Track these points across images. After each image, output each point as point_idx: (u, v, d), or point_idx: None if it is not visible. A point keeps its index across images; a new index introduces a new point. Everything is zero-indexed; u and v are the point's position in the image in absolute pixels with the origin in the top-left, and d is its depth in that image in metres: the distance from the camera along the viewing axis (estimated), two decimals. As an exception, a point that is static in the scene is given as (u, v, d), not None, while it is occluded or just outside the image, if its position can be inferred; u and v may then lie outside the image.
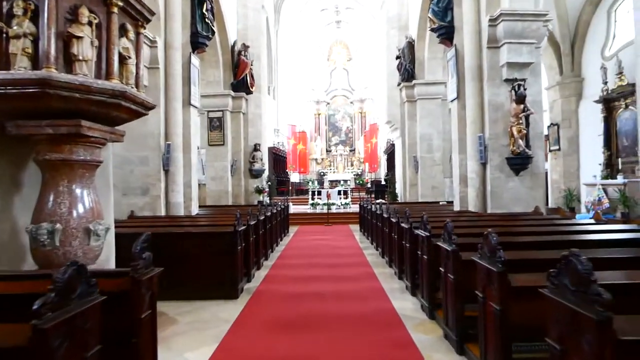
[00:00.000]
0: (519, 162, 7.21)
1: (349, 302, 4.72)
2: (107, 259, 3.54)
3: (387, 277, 5.97)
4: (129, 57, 3.22)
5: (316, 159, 25.54)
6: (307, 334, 3.78)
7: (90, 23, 2.87)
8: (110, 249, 3.60)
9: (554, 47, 12.49)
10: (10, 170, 3.06)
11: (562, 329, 1.76)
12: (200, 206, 9.81)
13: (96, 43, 2.90)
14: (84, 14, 2.83)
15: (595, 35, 11.87)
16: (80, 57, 2.81)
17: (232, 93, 12.49)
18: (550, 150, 13.01)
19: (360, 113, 25.87)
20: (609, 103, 10.77)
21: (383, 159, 20.56)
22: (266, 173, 14.25)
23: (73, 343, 1.53)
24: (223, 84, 12.38)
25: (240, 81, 12.53)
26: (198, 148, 10.64)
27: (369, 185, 20.49)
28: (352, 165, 25.35)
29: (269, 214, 8.08)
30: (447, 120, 11.85)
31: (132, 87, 3.17)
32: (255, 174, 13.33)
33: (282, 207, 10.93)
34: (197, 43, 8.91)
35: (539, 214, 6.78)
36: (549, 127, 12.74)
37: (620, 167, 10.37)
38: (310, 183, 18.66)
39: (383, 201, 12.34)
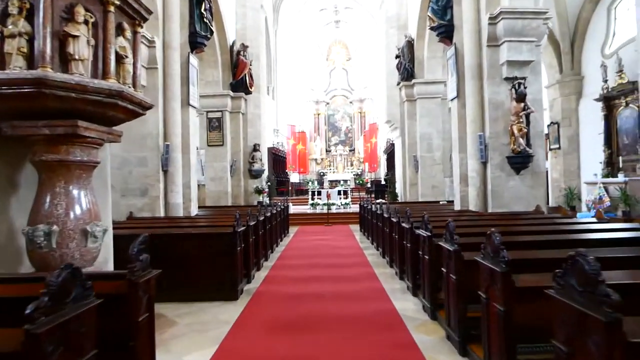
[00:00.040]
0: (519, 161, 7.18)
1: (349, 303, 4.68)
2: (105, 261, 3.50)
3: (388, 278, 5.93)
4: (126, 57, 3.18)
5: (316, 159, 25.50)
6: (307, 335, 3.74)
7: (86, 22, 2.83)
8: (108, 251, 3.56)
9: (553, 46, 12.46)
10: (6, 171, 3.03)
11: (569, 331, 1.72)
12: (199, 207, 9.77)
13: (92, 42, 2.87)
14: (80, 12, 2.79)
15: (595, 33, 11.84)
16: (77, 57, 2.77)
17: (231, 93, 12.45)
18: (551, 149, 12.98)
19: (360, 113, 25.84)
20: (609, 101, 10.74)
21: (383, 158, 20.53)
22: (266, 173, 14.21)
23: (68, 348, 1.49)
24: (222, 84, 12.34)
25: (239, 81, 12.49)
26: (197, 148, 10.59)
27: (368, 185, 20.45)
28: (351, 165, 25.31)
29: (268, 214, 8.04)
30: (447, 119, 11.82)
31: (129, 87, 3.13)
32: (255, 175, 13.29)
33: (282, 207, 10.89)
34: (196, 43, 8.87)
35: (540, 213, 6.74)
36: (549, 125, 12.71)
37: (621, 165, 10.33)
38: (310, 183, 18.62)
39: (383, 201, 12.31)
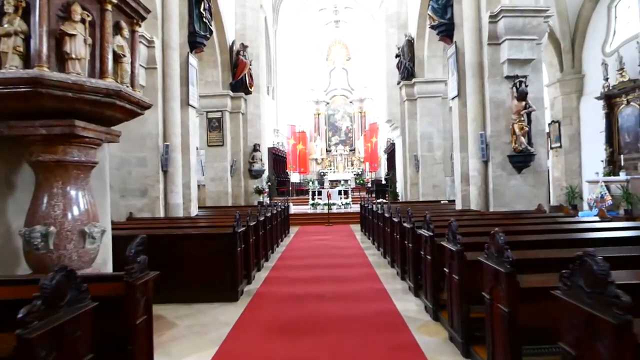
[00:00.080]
0: (521, 160, 7.14)
1: (351, 304, 4.64)
2: (104, 262, 3.46)
3: (389, 278, 5.89)
4: (124, 56, 3.14)
5: (316, 159, 25.47)
6: (308, 336, 3.71)
7: (83, 21, 2.80)
8: (107, 252, 3.52)
9: (554, 44, 12.42)
10: (3, 172, 2.99)
11: (577, 333, 1.68)
12: (199, 207, 9.74)
13: (89, 41, 2.83)
14: (77, 11, 2.76)
15: (596, 32, 11.80)
16: (73, 56, 2.74)
17: (231, 93, 12.42)
18: (552, 148, 12.94)
19: (360, 112, 25.81)
20: (610, 99, 10.70)
21: (383, 158, 20.48)
22: (266, 173, 14.17)
23: (62, 352, 1.45)
24: (222, 84, 12.30)
25: (239, 81, 12.46)
26: (197, 149, 10.56)
27: (369, 184, 20.42)
28: (352, 165, 25.28)
29: (269, 214, 8.00)
30: (448, 118, 11.79)
31: (127, 86, 3.10)
32: (255, 175, 13.26)
33: (282, 207, 10.85)
34: (195, 43, 8.84)
35: (542, 212, 6.70)
36: (549, 124, 12.66)
37: (622, 163, 10.29)
38: (310, 183, 18.58)
39: (384, 201, 12.26)
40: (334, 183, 21.10)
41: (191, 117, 8.68)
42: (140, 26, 3.41)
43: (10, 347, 1.31)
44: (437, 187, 12.24)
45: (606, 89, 10.63)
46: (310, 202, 15.45)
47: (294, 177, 22.88)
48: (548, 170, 10.84)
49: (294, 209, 14.86)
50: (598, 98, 10.93)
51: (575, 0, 11.86)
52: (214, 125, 12.28)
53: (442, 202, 10.75)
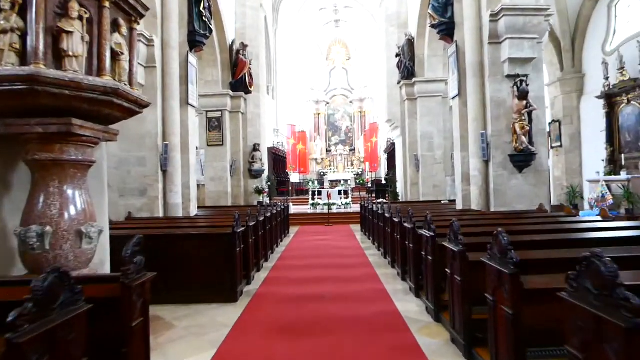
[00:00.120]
0: (522, 159, 7.11)
1: (351, 305, 4.60)
2: (102, 263, 3.42)
3: (390, 278, 5.85)
4: (122, 53, 3.10)
5: (316, 159, 25.43)
6: (308, 338, 3.67)
7: (80, 18, 2.76)
8: (104, 252, 3.48)
9: (554, 43, 12.38)
10: (-1, 171, 2.95)
11: (584, 336, 1.64)
12: (199, 207, 9.70)
13: (87, 38, 2.80)
14: (74, 8, 2.72)
15: (596, 31, 11.76)
16: (70, 53, 2.70)
17: (231, 93, 12.38)
18: (552, 147, 12.89)
19: (360, 112, 25.77)
20: (610, 99, 10.66)
21: (383, 158, 20.44)
22: (266, 173, 14.13)
23: (54, 356, 1.40)
24: (221, 84, 12.26)
25: (239, 81, 12.42)
26: (197, 148, 10.52)
27: (369, 184, 20.38)
28: (352, 165, 25.24)
29: (268, 214, 7.96)
30: (448, 118, 11.75)
31: (125, 84, 3.06)
32: (255, 175, 13.21)
33: (282, 207, 10.81)
34: (195, 42, 8.80)
35: (543, 211, 6.66)
36: (550, 123, 12.62)
37: (623, 163, 10.25)
38: (310, 183, 18.54)
39: (384, 201, 12.22)
40: (334, 183, 21.06)
41: (191, 117, 8.64)
42: (138, 24, 3.37)
43: (1, 351, 1.27)
44: (437, 187, 12.20)
45: (606, 88, 10.60)
46: (310, 202, 15.41)
47: (294, 177, 22.84)
48: (549, 169, 10.81)
49: (293, 209, 14.82)
50: (598, 97, 10.90)
51: (576, 0, 11.83)
52: (214, 125, 12.23)
53: (442, 202, 10.72)
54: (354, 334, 3.72)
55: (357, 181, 22.55)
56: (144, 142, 7.28)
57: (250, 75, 12.74)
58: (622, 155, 10.35)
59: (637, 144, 9.99)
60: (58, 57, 2.66)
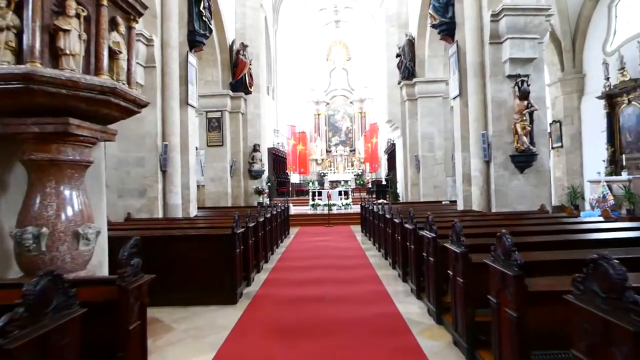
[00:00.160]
0: (523, 160, 7.07)
1: (352, 306, 4.56)
2: (100, 264, 3.38)
3: (391, 280, 5.81)
4: (120, 52, 3.07)
5: (316, 160, 25.39)
6: (308, 340, 3.62)
7: (78, 16, 2.72)
8: (102, 254, 3.44)
9: (555, 43, 12.36)
10: (-5, 172, 2.91)
11: (591, 340, 1.60)
12: (199, 208, 9.65)
13: (84, 37, 2.76)
14: (72, 6, 2.68)
15: (596, 31, 11.74)
16: (67, 51, 2.66)
17: (231, 93, 12.34)
18: (553, 148, 12.86)
19: (360, 113, 25.74)
20: (611, 99, 10.64)
21: (384, 158, 20.41)
22: (266, 174, 14.09)
23: (48, 362, 1.37)
24: (221, 84, 12.23)
25: (239, 81, 12.39)
26: (197, 149, 10.49)
27: (369, 185, 20.33)
28: (352, 165, 25.20)
29: (268, 215, 7.91)
30: (449, 118, 11.72)
31: (123, 84, 3.02)
32: (255, 175, 13.18)
33: (282, 208, 10.77)
34: (195, 41, 8.76)
35: (545, 212, 6.62)
36: (551, 124, 12.59)
37: (624, 163, 10.22)
38: (310, 184, 18.49)
39: (385, 201, 12.18)
40: (334, 184, 21.01)
41: (190, 117, 8.60)
42: (137, 22, 3.34)
43: (-7, 357, 1.23)
44: (438, 187, 12.16)
45: (607, 89, 10.58)
46: (311, 202, 15.37)
47: (294, 178, 22.79)
48: (549, 170, 10.77)
49: (294, 209, 14.78)
50: (599, 97, 10.88)
51: (576, 0, 11.80)
52: (214, 125, 12.20)
53: (443, 202, 10.68)
54: (355, 336, 3.68)
55: (358, 182, 22.51)
56: (143, 142, 7.24)
57: (250, 76, 12.70)
58: (623, 155, 10.32)
59: (638, 144, 9.96)
60: (55, 55, 2.63)
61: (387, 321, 4.06)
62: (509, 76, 7.18)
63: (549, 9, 7.34)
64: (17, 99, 2.51)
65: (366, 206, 10.79)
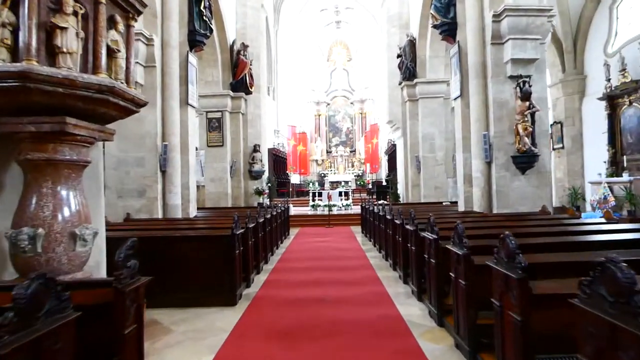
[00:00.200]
0: (525, 161, 7.03)
1: (352, 308, 4.52)
2: (98, 265, 3.34)
3: (392, 281, 5.76)
4: (118, 51, 3.03)
5: (316, 160, 25.37)
6: (308, 342, 3.58)
7: (75, 13, 2.68)
8: (100, 255, 3.40)
9: (556, 45, 12.32)
10: (-9, 171, 2.87)
11: (598, 345, 1.56)
12: (199, 208, 9.61)
13: (82, 34, 2.72)
14: (69, 3, 2.64)
15: (598, 32, 11.71)
16: (65, 50, 2.62)
17: (231, 93, 12.31)
18: (554, 149, 12.82)
19: (361, 114, 25.72)
20: (612, 100, 10.61)
21: (384, 159, 20.37)
22: (266, 174, 14.05)
23: (40, 368, 1.33)
24: (222, 84, 12.20)
25: (240, 81, 12.36)
26: (197, 149, 10.45)
27: (370, 186, 20.30)
28: (352, 166, 25.17)
29: (268, 216, 7.87)
30: (450, 119, 11.67)
31: (121, 82, 2.98)
32: (255, 176, 13.14)
33: (283, 208, 10.73)
34: (195, 41, 8.74)
35: (546, 213, 6.58)
36: (552, 125, 12.55)
37: (625, 164, 10.19)
38: (310, 184, 18.45)
39: (385, 202, 12.14)
40: (335, 184, 20.99)
41: (190, 117, 8.57)
42: (136, 20, 3.30)
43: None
44: (439, 188, 12.12)
45: (608, 90, 10.55)
46: (311, 203, 15.33)
47: (294, 178, 22.76)
48: (551, 171, 10.73)
49: (294, 210, 14.74)
50: (600, 99, 10.84)
51: (577, 1, 11.78)
52: (214, 126, 12.17)
53: (444, 203, 10.64)
54: (355, 338, 3.64)
55: (358, 182, 22.47)
56: (143, 142, 7.20)
57: (251, 76, 12.68)
58: (624, 156, 10.28)
59: (639, 146, 9.93)
60: (51, 53, 2.59)
61: (388, 323, 4.02)
62: (511, 77, 7.15)
63: (551, 9, 7.32)
64: (13, 97, 2.47)
65: (366, 207, 10.75)
